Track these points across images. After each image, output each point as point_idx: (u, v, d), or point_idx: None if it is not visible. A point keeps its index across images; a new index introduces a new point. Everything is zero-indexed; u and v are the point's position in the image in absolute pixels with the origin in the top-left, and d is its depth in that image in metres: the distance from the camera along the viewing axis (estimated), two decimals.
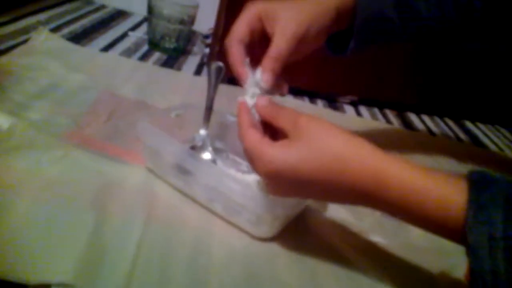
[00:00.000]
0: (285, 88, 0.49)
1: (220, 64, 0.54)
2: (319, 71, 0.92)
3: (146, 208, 0.46)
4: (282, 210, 0.44)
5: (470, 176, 0.33)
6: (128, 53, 0.89)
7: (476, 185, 0.32)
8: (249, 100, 0.45)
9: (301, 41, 0.46)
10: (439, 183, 0.34)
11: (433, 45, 0.95)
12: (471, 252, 0.31)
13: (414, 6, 0.55)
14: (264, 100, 0.43)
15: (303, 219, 0.51)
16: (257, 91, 0.45)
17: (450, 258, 0.49)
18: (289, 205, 0.45)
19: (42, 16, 0.94)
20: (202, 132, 0.56)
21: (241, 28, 0.46)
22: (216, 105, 0.55)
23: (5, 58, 0.68)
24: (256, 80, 0.46)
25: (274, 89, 0.47)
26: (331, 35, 0.53)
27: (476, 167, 0.80)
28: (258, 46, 0.48)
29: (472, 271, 0.31)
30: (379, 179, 0.35)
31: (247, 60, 0.47)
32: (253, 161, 0.39)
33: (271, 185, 0.40)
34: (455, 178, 0.34)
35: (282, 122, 0.40)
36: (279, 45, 0.45)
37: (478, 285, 0.31)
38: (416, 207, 0.34)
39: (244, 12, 0.48)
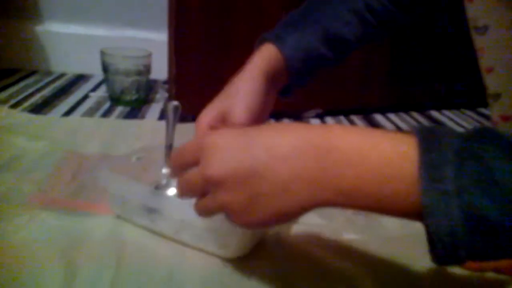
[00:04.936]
0: None
1: (176, 103, 0.56)
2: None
3: (116, 253, 0.46)
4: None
5: (418, 133, 0.30)
6: (90, 113, 0.91)
7: (426, 142, 0.29)
8: None
9: (251, 123, 0.49)
10: (390, 138, 0.31)
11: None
12: (427, 214, 0.28)
13: (341, 36, 0.57)
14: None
15: (275, 233, 0.52)
16: None
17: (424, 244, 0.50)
18: None
19: (2, 95, 0.96)
20: (165, 170, 0.57)
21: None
22: (181, 143, 0.57)
23: None
24: None
25: None
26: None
27: None
28: None
29: (430, 234, 0.29)
30: (326, 138, 0.32)
31: None
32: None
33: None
34: (403, 135, 0.31)
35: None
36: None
37: (437, 248, 0.29)
38: (367, 167, 0.30)
39: (196, 127, 0.50)
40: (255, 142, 0.34)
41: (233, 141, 0.35)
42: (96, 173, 0.52)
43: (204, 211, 0.39)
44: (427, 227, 0.29)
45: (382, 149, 0.30)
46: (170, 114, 0.57)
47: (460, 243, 0.28)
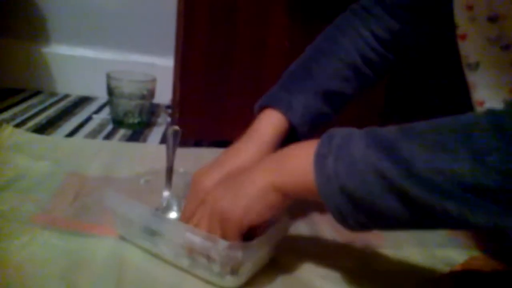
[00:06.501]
0: None
1: (176, 127, 0.58)
2: None
3: (116, 275, 0.47)
4: (242, 254, 0.44)
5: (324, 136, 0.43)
6: (93, 134, 0.93)
7: (327, 131, 0.42)
8: None
9: None
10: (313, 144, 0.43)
11: None
12: (316, 176, 0.40)
13: (340, 92, 0.60)
14: None
15: (271, 261, 0.52)
16: None
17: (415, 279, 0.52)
18: (249, 249, 0.45)
19: (7, 115, 0.98)
20: (165, 193, 0.58)
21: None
22: (184, 167, 0.60)
23: None
24: None
25: None
26: None
27: None
28: None
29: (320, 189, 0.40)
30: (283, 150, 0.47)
31: None
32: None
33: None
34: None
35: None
36: None
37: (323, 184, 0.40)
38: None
39: (193, 191, 0.53)
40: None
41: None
42: (102, 194, 0.53)
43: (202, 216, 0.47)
44: (319, 185, 0.40)
45: (305, 149, 0.43)
46: (170, 138, 0.58)
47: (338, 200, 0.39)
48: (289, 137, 0.58)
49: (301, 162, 0.42)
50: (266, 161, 0.47)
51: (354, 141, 0.39)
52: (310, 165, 0.41)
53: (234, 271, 0.46)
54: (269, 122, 0.56)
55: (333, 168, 0.39)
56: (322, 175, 0.40)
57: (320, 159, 0.40)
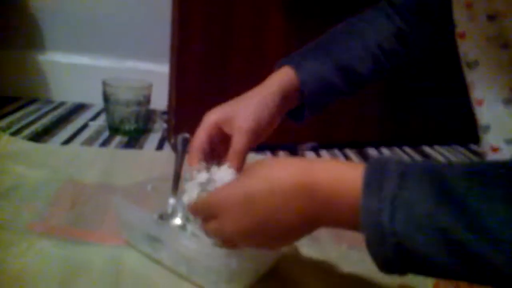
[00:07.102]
0: None
1: (186, 135, 0.59)
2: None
3: (113, 282, 0.47)
4: (237, 263, 0.44)
5: (368, 161, 0.36)
6: (89, 142, 0.93)
7: (372, 164, 0.35)
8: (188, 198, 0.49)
9: (256, 132, 0.53)
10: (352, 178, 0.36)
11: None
12: (365, 215, 0.33)
13: (354, 69, 0.61)
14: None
15: (274, 269, 0.52)
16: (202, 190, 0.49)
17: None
18: (245, 257, 0.45)
19: (3, 123, 0.98)
20: (171, 200, 0.58)
21: (200, 137, 0.53)
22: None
23: None
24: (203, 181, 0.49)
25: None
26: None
27: None
28: (218, 146, 0.54)
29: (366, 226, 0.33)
30: (309, 175, 0.38)
31: (203, 163, 0.51)
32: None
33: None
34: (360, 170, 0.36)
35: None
36: (240, 141, 0.52)
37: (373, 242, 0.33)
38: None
39: (203, 122, 0.54)
40: (253, 201, 0.40)
41: (237, 205, 0.41)
42: (99, 205, 0.53)
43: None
44: (363, 224, 0.34)
45: (347, 185, 0.36)
46: (179, 145, 0.59)
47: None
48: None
49: (346, 213, 0.36)
50: (299, 205, 0.38)
51: (414, 191, 0.33)
52: (357, 215, 0.34)
53: (230, 279, 0.46)
54: (278, 75, 0.58)
55: (389, 226, 0.32)
56: (375, 234, 0.33)
57: (372, 215, 0.33)
